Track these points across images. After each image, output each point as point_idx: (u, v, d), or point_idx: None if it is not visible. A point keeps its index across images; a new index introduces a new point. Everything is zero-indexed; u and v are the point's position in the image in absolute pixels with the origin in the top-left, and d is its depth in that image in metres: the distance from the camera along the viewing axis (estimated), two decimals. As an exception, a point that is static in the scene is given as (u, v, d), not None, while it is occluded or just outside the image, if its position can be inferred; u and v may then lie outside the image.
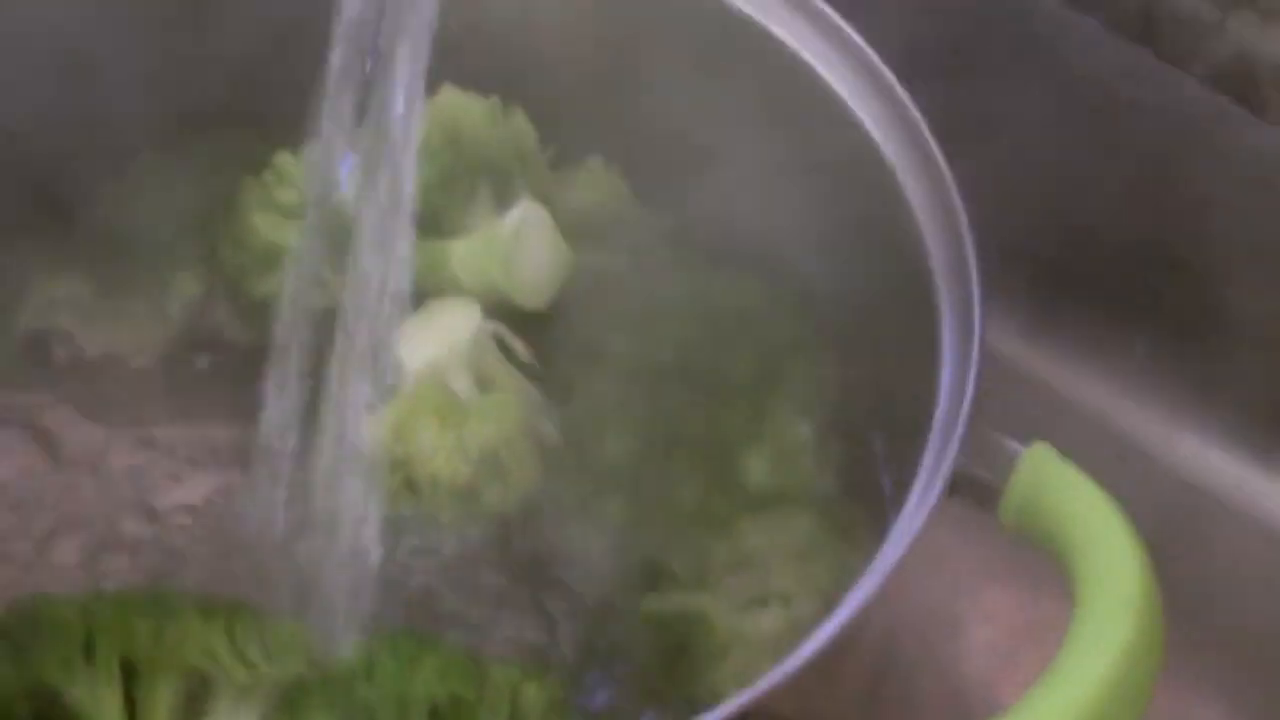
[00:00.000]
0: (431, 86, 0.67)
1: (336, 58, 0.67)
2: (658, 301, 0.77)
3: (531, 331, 0.77)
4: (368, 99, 0.67)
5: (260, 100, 0.80)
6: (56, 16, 0.78)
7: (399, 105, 0.66)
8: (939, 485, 0.63)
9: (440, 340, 0.75)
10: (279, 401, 0.71)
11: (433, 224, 0.76)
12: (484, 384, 0.76)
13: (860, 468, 0.77)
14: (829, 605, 0.62)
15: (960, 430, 0.64)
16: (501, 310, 0.77)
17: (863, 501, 0.76)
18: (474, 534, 0.75)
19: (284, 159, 0.78)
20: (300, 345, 0.71)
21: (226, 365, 0.80)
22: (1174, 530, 0.77)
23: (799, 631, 0.62)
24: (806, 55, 0.75)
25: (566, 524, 0.75)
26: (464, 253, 0.77)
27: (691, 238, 0.80)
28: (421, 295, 0.74)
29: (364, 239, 0.68)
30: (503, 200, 0.79)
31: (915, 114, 0.72)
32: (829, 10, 0.75)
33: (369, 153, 0.67)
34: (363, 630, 0.68)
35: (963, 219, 0.70)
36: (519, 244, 0.76)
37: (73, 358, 0.80)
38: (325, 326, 0.70)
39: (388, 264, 0.68)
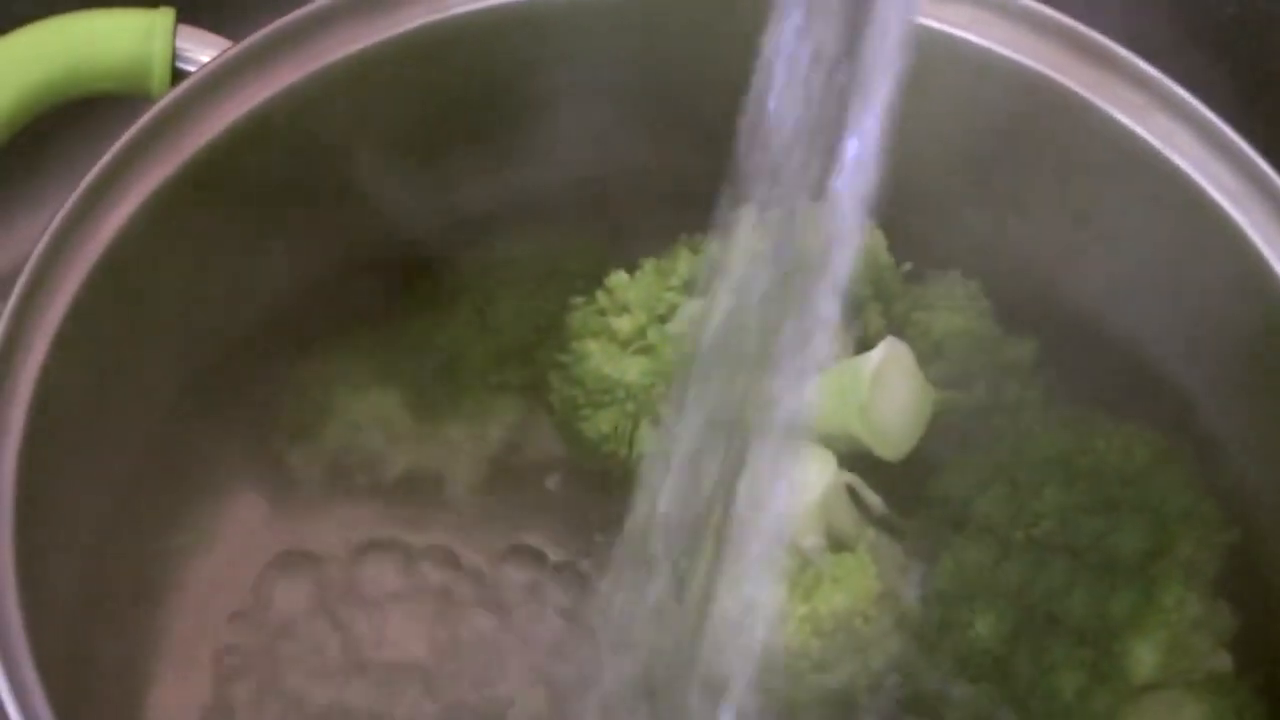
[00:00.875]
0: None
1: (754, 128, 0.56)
2: (1031, 453, 0.68)
3: (888, 481, 0.69)
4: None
5: (591, 206, 0.73)
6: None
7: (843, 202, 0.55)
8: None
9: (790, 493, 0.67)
10: (637, 570, 0.63)
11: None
12: (836, 542, 0.68)
13: (1254, 642, 0.68)
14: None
15: None
16: (855, 458, 0.69)
17: (1256, 680, 0.68)
18: (824, 712, 0.67)
19: (619, 280, 0.70)
20: (669, 514, 0.62)
21: (555, 494, 0.73)
22: None
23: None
24: (1217, 194, 0.66)
25: (926, 707, 0.67)
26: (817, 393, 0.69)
27: (1063, 371, 0.72)
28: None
29: (768, 361, 0.58)
30: (854, 327, 0.71)
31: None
32: (1242, 143, 0.66)
33: (781, 258, 0.57)
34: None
35: None
36: (879, 388, 0.68)
37: (377, 480, 0.73)
38: (694, 482, 0.61)
39: (793, 390, 0.58)
